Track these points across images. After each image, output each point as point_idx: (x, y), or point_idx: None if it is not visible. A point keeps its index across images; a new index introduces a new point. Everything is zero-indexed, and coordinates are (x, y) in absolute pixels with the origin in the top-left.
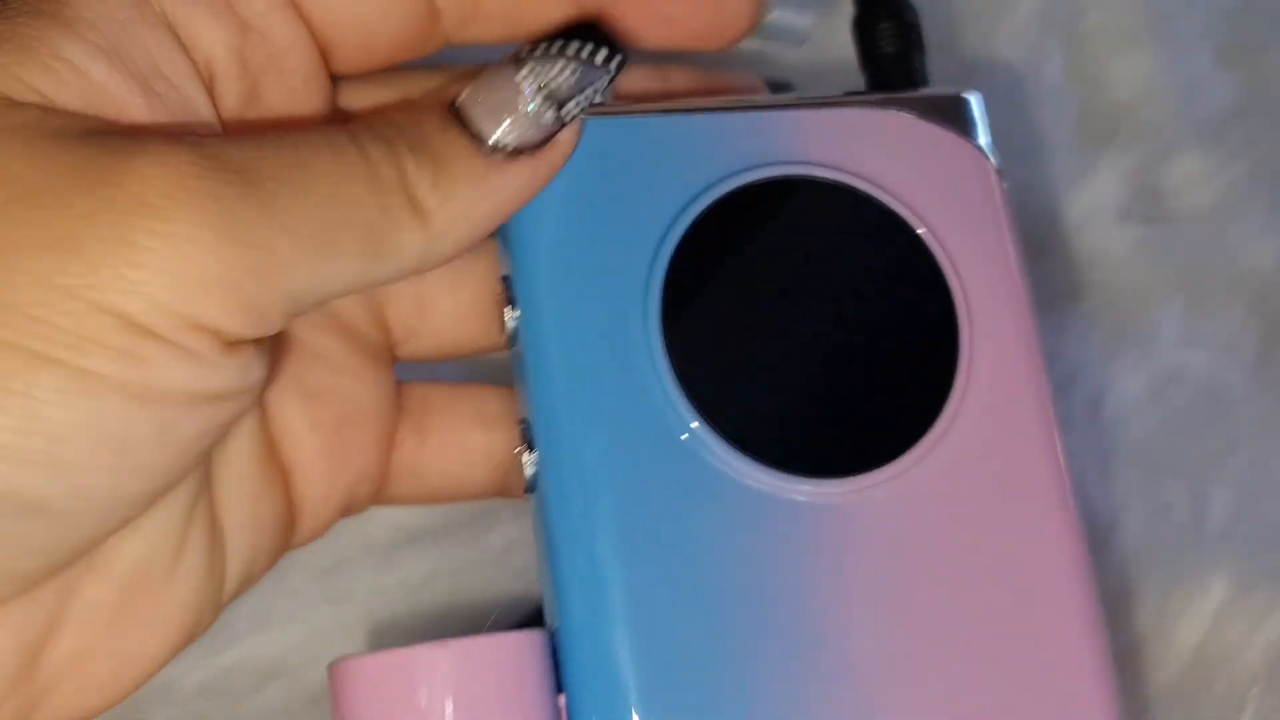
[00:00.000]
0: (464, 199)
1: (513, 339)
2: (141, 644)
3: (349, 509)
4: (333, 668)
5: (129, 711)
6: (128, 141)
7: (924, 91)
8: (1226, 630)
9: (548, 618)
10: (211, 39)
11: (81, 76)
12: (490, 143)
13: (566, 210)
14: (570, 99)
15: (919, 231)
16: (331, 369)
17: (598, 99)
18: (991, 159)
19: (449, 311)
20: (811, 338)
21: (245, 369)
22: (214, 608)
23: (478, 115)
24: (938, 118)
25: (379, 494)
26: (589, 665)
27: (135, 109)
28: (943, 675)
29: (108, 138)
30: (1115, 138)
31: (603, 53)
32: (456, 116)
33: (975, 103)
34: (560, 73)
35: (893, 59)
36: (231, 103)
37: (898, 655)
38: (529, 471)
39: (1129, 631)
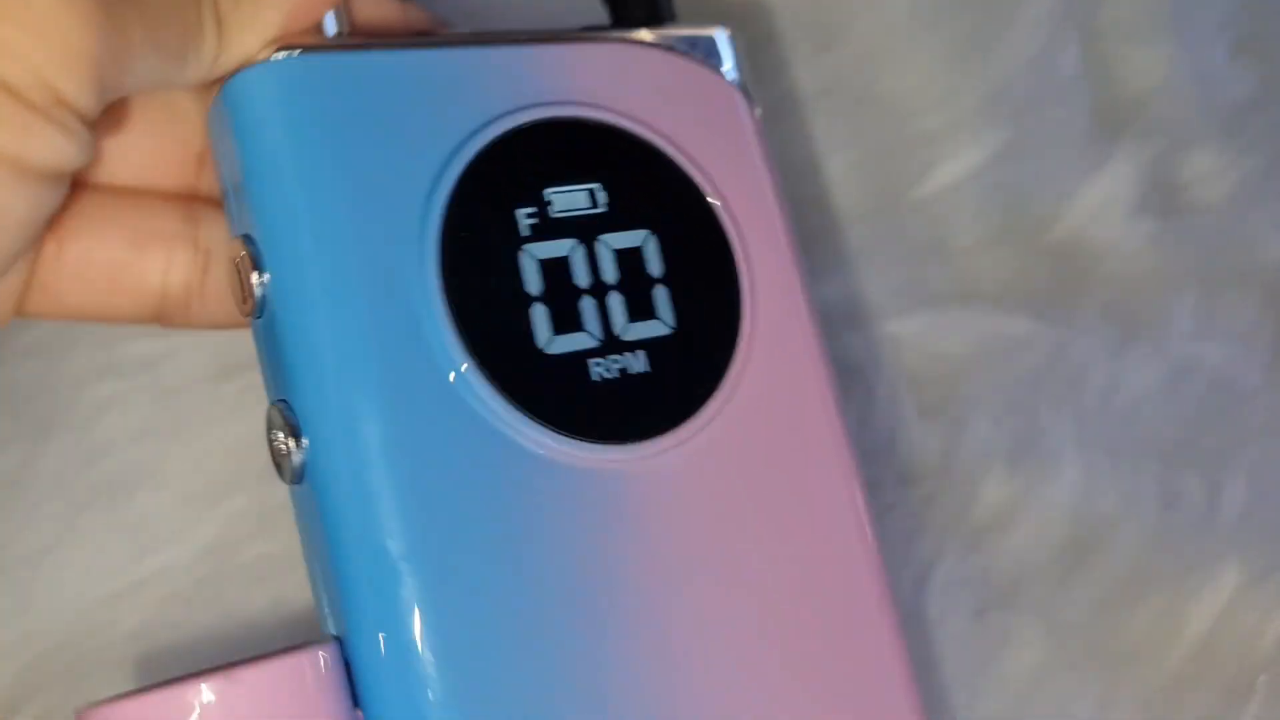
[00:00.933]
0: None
1: (260, 307)
2: None
3: None
4: (80, 717)
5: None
6: None
7: (678, 29)
8: (1237, 620)
9: (329, 625)
10: None
11: None
12: None
13: (324, 154)
14: None
15: (695, 181)
16: None
17: None
18: (747, 96)
19: (141, 149)
20: (597, 292)
21: (92, 144)
22: None
23: None
24: (693, 56)
25: (19, 305)
26: (388, 673)
27: None
28: (742, 641)
29: None
30: (1131, 130)
31: None
32: None
33: (724, 39)
34: None
35: None
36: None
37: (696, 624)
38: (295, 460)
39: (1141, 620)
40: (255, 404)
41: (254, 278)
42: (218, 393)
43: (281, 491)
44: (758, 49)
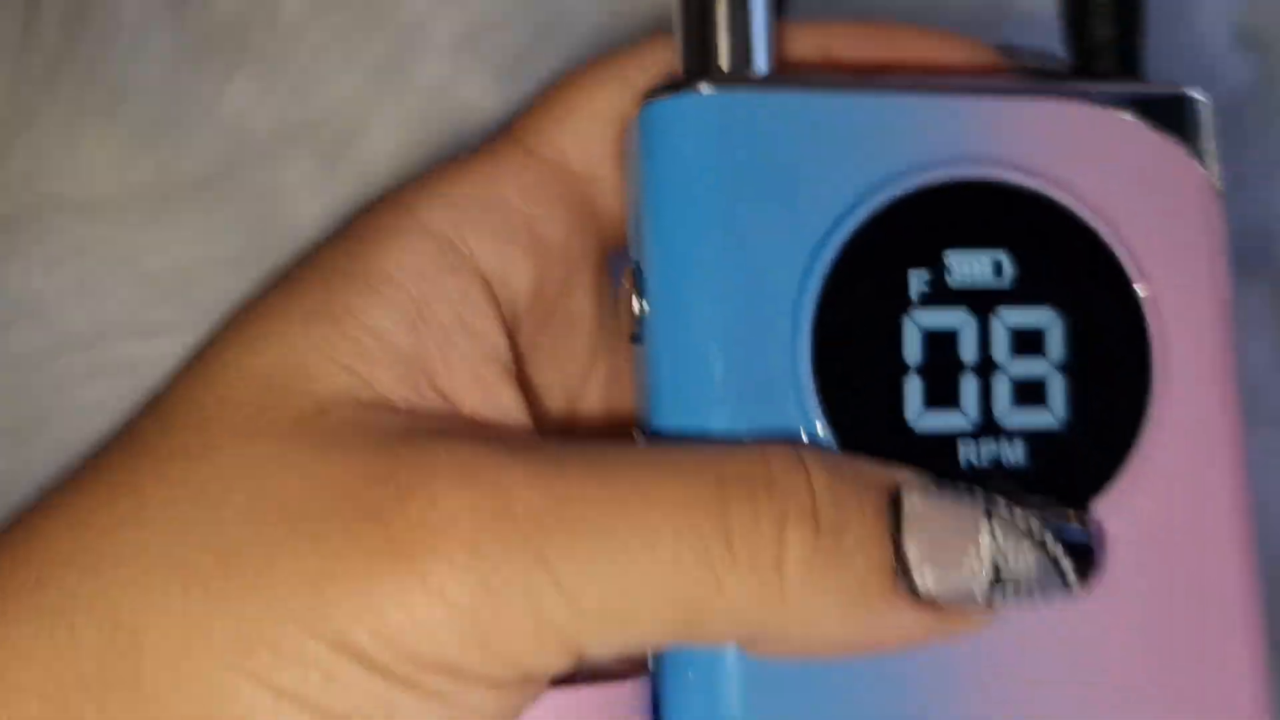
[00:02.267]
0: (839, 609)
1: (636, 333)
2: None
3: None
4: None
5: None
6: (414, 464)
7: (1142, 86)
8: None
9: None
10: (518, 273)
11: (388, 346)
12: (908, 578)
13: (727, 196)
14: (1013, 588)
15: (1124, 264)
16: None
17: (1037, 599)
18: (1215, 180)
19: None
20: (982, 371)
21: (504, 703)
22: None
23: (916, 541)
24: (1154, 120)
25: None
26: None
27: (439, 372)
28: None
29: (396, 451)
30: None
31: (1073, 572)
32: (894, 516)
33: (1199, 104)
34: (1023, 560)
35: (1108, 42)
36: (526, 335)
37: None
38: None
39: None
40: None
41: (636, 304)
42: None
43: None
44: None
